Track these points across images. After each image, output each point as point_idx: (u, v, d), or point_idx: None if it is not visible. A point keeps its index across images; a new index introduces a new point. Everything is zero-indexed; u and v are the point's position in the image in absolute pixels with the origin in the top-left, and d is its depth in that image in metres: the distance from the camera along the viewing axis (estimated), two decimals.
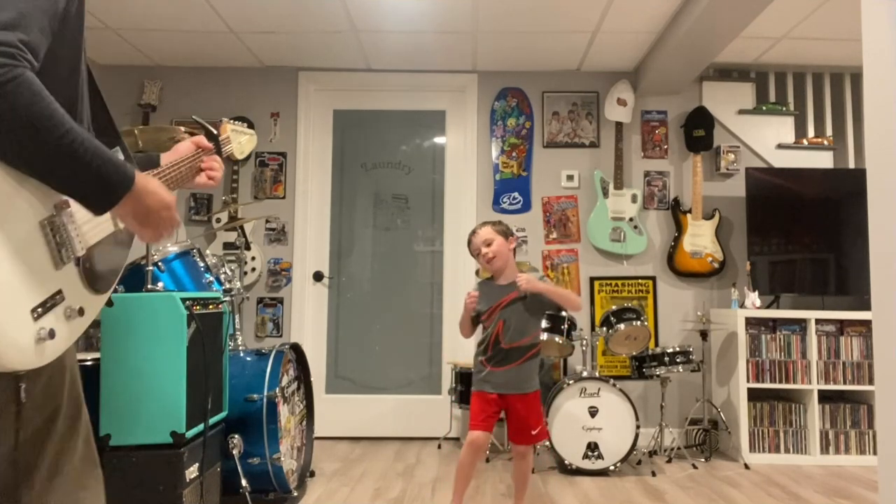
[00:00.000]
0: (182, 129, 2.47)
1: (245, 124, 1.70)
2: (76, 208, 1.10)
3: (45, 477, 1.12)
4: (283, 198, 4.55)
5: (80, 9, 1.14)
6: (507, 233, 2.86)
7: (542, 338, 3.50)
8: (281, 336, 4.46)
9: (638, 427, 3.58)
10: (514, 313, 2.73)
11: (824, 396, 4.00)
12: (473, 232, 2.89)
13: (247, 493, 2.65)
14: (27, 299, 1.00)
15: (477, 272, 4.35)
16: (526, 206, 4.53)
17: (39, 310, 1.02)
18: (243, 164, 4.54)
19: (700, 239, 4.40)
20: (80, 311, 1.11)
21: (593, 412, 3.60)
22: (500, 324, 2.72)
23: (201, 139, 1.43)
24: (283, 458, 2.78)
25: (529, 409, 2.73)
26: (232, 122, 1.66)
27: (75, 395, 1.21)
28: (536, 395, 2.77)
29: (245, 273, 4.37)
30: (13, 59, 0.95)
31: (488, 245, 2.79)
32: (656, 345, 4.37)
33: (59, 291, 1.06)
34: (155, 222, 1.17)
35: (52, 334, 1.03)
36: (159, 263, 2.70)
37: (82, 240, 1.11)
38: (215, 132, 1.55)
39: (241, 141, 1.61)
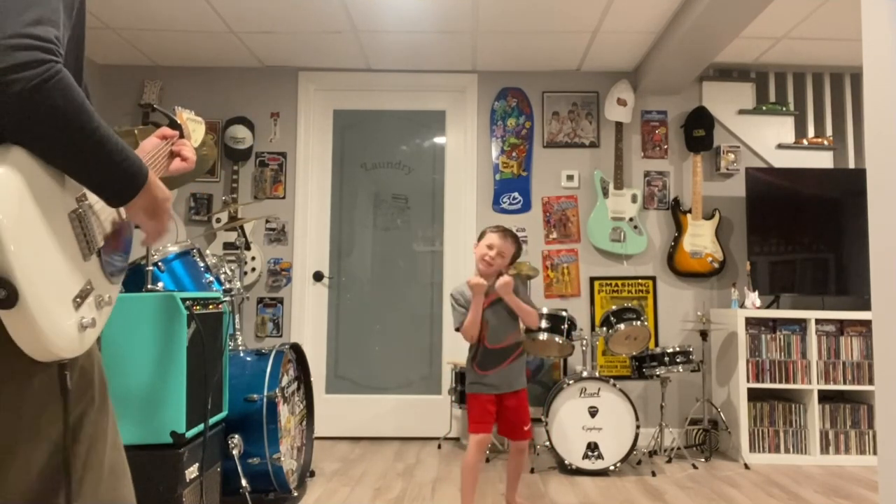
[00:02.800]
0: (137, 128, 2.48)
1: (192, 112, 1.70)
2: (93, 200, 1.12)
3: (82, 465, 1.14)
4: (283, 198, 4.55)
5: (83, 3, 1.17)
6: (516, 256, 2.93)
7: (541, 337, 3.55)
8: (281, 336, 4.46)
9: (638, 427, 3.58)
10: (494, 314, 2.84)
11: (824, 396, 4.00)
12: (503, 235, 2.85)
13: (247, 493, 2.65)
14: (70, 289, 1.04)
15: None
16: (526, 206, 4.53)
17: (79, 299, 1.06)
18: (243, 165, 4.54)
19: (700, 239, 4.40)
20: (109, 300, 1.17)
21: (593, 412, 3.60)
22: (485, 325, 2.81)
23: (165, 130, 1.45)
24: (283, 458, 2.78)
25: (520, 405, 2.86)
26: (183, 109, 1.67)
27: (103, 384, 1.25)
28: (525, 393, 2.90)
29: (245, 273, 4.37)
30: (53, 55, 0.97)
31: (500, 255, 2.82)
32: (656, 345, 4.37)
33: (89, 281, 1.10)
34: (161, 214, 1.21)
35: (93, 323, 1.09)
36: (159, 263, 2.70)
37: (102, 230, 1.15)
38: (178, 120, 1.58)
39: (194, 129, 1.63)
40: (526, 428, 2.89)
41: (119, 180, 1.09)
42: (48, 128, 0.98)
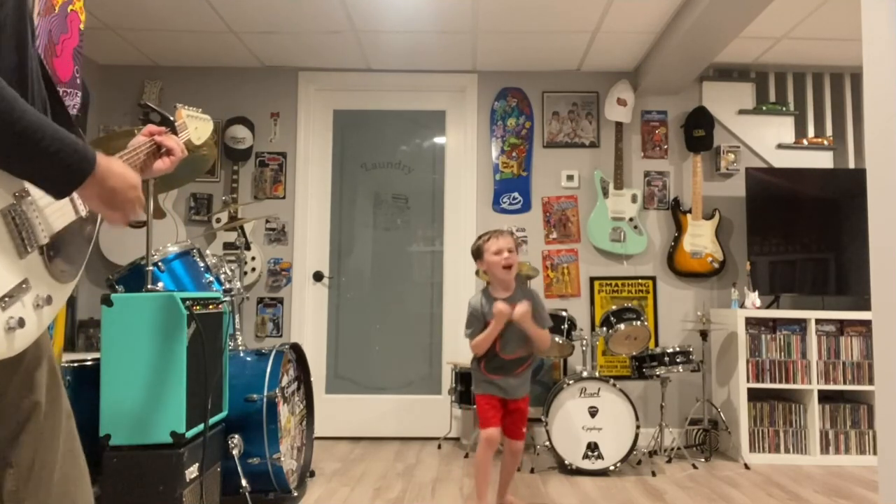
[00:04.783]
0: (137, 128, 2.47)
1: (200, 110, 1.67)
2: (37, 195, 1.07)
3: (23, 474, 1.10)
4: (283, 198, 4.55)
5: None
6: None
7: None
8: (281, 336, 4.46)
9: (638, 427, 3.58)
10: (511, 327, 2.81)
11: (824, 396, 4.00)
12: (497, 235, 2.87)
13: (247, 493, 2.65)
14: None
15: (477, 272, 4.35)
16: (526, 206, 4.53)
17: (7, 299, 1.00)
18: (243, 165, 4.54)
19: (700, 239, 4.40)
20: (49, 300, 1.10)
21: (593, 412, 3.60)
22: (499, 336, 2.81)
23: (151, 127, 1.41)
24: (283, 458, 2.78)
25: (523, 411, 2.94)
26: (187, 107, 1.63)
27: (55, 387, 1.18)
28: (528, 399, 2.97)
29: (245, 273, 4.37)
30: None
31: (510, 251, 2.84)
32: (656, 345, 4.37)
33: (25, 280, 1.04)
34: (121, 203, 1.15)
35: (21, 323, 1.02)
36: (159, 263, 2.70)
37: (45, 228, 1.09)
38: (171, 117, 1.54)
39: (196, 126, 1.59)
40: (523, 430, 2.97)
41: (54, 171, 1.03)
42: None
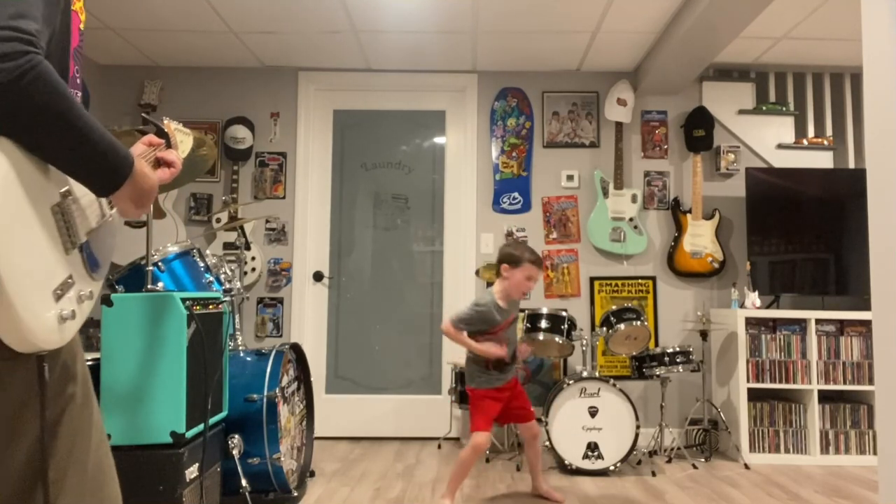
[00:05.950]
0: (137, 128, 2.50)
1: (180, 123, 1.71)
2: (79, 194, 1.14)
3: (63, 464, 1.13)
4: (283, 198, 4.55)
5: (69, 3, 1.18)
6: None
7: (541, 337, 3.64)
8: (281, 336, 4.46)
9: (638, 427, 3.58)
10: (510, 332, 3.09)
11: (824, 396, 4.00)
12: (538, 263, 3.05)
13: (247, 493, 2.65)
14: (51, 280, 1.05)
15: (477, 272, 4.36)
16: (526, 206, 4.53)
17: (59, 291, 1.07)
18: (243, 165, 4.54)
19: (700, 239, 4.40)
20: (90, 295, 1.17)
21: (593, 412, 3.60)
22: (507, 344, 3.03)
23: (152, 137, 1.47)
24: (283, 458, 2.78)
25: (520, 388, 3.16)
26: (172, 121, 1.68)
27: (87, 381, 1.24)
28: (516, 378, 3.18)
29: (245, 273, 4.37)
30: (34, 46, 0.99)
31: (535, 283, 3.10)
32: (656, 345, 4.37)
33: (71, 275, 1.11)
34: (147, 203, 1.23)
35: (73, 315, 1.09)
36: (159, 263, 2.70)
37: (84, 225, 1.15)
38: (165, 129, 1.59)
39: (181, 140, 1.65)
40: (531, 408, 3.17)
41: (104, 170, 1.10)
42: (31, 118, 1.00)
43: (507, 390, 3.05)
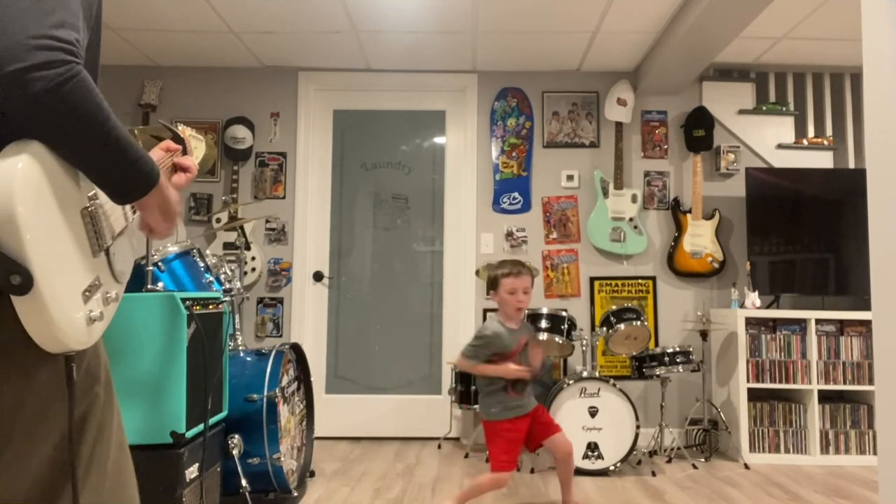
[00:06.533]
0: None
1: (193, 129, 1.73)
2: (103, 199, 1.16)
3: (86, 463, 1.14)
4: (283, 198, 4.55)
5: (100, 9, 1.22)
6: (533, 277, 3.06)
7: (541, 337, 3.60)
8: (281, 336, 4.46)
9: (638, 427, 3.58)
10: (524, 354, 2.93)
11: (824, 396, 4.00)
12: (516, 274, 2.89)
13: (247, 493, 2.65)
14: (80, 282, 1.08)
15: (477, 272, 4.36)
16: (526, 206, 4.53)
17: (88, 293, 1.09)
18: (243, 165, 4.54)
19: (700, 239, 4.40)
20: (116, 297, 1.19)
21: (593, 412, 3.60)
22: (521, 364, 2.89)
23: (169, 143, 1.50)
24: (283, 458, 2.78)
25: (540, 409, 2.99)
26: (186, 127, 1.69)
27: (109, 382, 1.26)
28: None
29: (245, 273, 4.37)
30: (74, 56, 1.01)
31: (525, 292, 2.89)
32: (656, 345, 4.37)
33: (98, 277, 1.13)
34: (173, 214, 1.25)
35: (101, 316, 1.11)
36: (159, 263, 2.70)
37: (109, 230, 1.18)
38: (181, 136, 1.60)
39: (195, 146, 1.66)
40: (553, 420, 3.03)
41: (133, 178, 1.13)
42: (67, 126, 1.02)
43: (528, 418, 2.89)
